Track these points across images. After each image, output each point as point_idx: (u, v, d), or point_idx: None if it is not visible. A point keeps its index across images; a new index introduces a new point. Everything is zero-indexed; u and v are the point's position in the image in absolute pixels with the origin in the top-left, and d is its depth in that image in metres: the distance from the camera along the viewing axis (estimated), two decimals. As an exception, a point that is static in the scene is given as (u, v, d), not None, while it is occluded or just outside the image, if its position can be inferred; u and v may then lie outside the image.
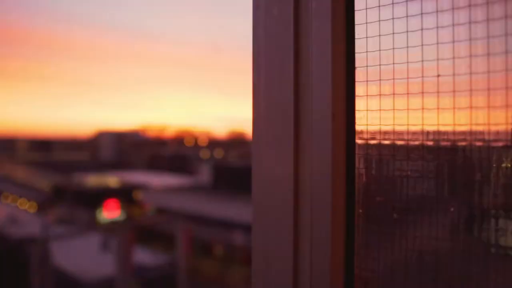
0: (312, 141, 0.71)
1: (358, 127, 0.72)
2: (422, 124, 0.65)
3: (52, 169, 64.03)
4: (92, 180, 54.51)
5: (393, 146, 0.69)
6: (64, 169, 63.84)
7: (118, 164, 79.86)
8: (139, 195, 47.99)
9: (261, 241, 0.78)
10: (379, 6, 0.69)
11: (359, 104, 0.72)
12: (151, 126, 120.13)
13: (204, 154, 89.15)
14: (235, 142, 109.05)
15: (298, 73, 0.73)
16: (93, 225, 38.47)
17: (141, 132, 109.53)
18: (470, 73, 0.61)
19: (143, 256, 26.53)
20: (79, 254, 26.52)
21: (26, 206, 46.35)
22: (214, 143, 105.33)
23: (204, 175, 53.65)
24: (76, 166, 71.97)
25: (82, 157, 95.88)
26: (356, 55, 0.72)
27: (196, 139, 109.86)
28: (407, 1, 0.66)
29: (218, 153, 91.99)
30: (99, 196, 44.02)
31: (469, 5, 0.60)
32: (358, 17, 0.71)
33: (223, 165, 57.43)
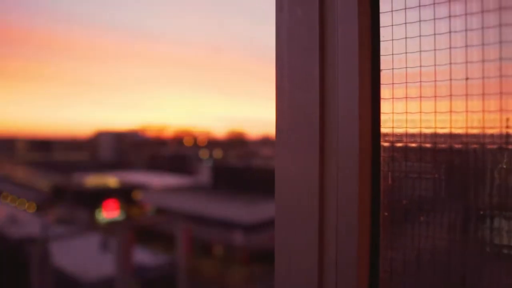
0: (338, 143, 0.71)
1: (383, 130, 0.71)
2: (450, 127, 0.65)
3: (51, 169, 63.94)
4: (92, 180, 54.47)
5: (419, 149, 0.68)
6: (64, 169, 63.77)
7: (117, 164, 79.80)
8: (138, 195, 47.97)
9: (285, 242, 0.78)
10: (405, 8, 0.68)
11: (384, 106, 0.71)
12: (151, 126, 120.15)
13: (204, 154, 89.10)
14: (235, 142, 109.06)
15: (323, 75, 0.73)
16: (93, 225, 38.45)
17: (141, 132, 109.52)
18: (500, 76, 0.60)
19: (143, 256, 26.51)
20: (79, 254, 26.51)
21: (26, 206, 46.29)
22: (213, 143, 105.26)
23: (204, 175, 53.69)
24: (76, 166, 71.90)
25: (81, 157, 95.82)
26: (381, 58, 0.72)
27: (195, 139, 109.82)
28: (434, 3, 0.65)
29: (218, 153, 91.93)
30: (98, 196, 43.96)
31: (500, 8, 0.59)
32: (383, 19, 0.71)
33: (222, 165, 57.47)
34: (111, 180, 54.57)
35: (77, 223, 38.01)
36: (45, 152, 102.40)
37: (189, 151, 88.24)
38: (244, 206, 37.84)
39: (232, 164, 56.31)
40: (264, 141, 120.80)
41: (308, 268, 0.74)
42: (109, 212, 43.58)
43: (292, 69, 0.77)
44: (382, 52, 0.71)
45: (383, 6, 0.71)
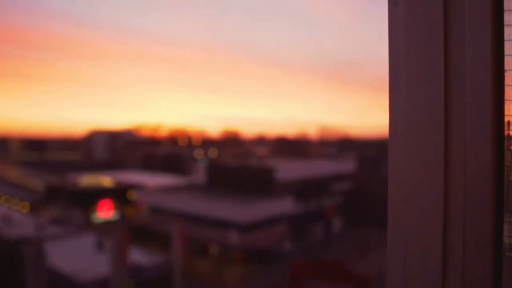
0: (466, 147, 0.69)
1: (508, 133, 0.69)
2: None
3: (45, 169, 63.58)
4: (86, 180, 54.19)
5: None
6: (58, 169, 63.45)
7: (112, 163, 79.51)
8: (133, 195, 47.81)
9: (400, 247, 0.75)
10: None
11: (510, 109, 0.69)
12: (145, 126, 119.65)
13: (199, 153, 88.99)
14: (229, 141, 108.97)
15: (447, 76, 0.70)
16: (88, 225, 38.29)
17: (135, 131, 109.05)
18: None
19: (138, 256, 26.44)
20: (74, 254, 26.40)
21: (20, 207, 46.01)
22: (208, 143, 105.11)
23: (199, 174, 53.57)
24: (70, 166, 71.57)
25: (75, 157, 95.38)
26: (506, 58, 0.69)
27: (190, 138, 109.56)
28: None
29: (212, 153, 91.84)
30: (93, 196, 43.78)
31: None
32: (508, 18, 0.69)
33: (217, 164, 57.41)
34: (106, 180, 54.33)
35: (71, 223, 37.83)
36: (39, 151, 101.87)
37: (183, 150, 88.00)
38: (240, 206, 37.82)
39: (227, 164, 56.28)
40: (259, 141, 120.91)
41: (429, 273, 0.71)
42: (104, 212, 43.40)
43: (410, 68, 0.73)
44: (506, 51, 0.69)
45: (508, 4, 0.69)
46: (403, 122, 0.74)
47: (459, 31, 0.69)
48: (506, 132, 0.69)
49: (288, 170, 48.29)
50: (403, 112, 0.74)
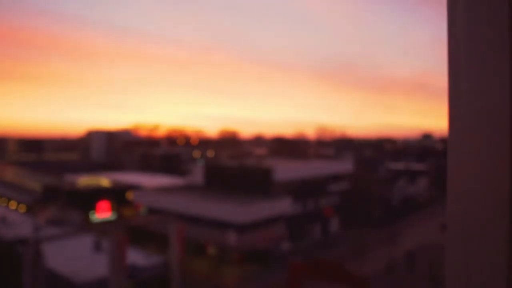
0: None
1: None
2: None
3: (43, 170, 63.46)
4: (84, 180, 54.09)
5: None
6: (56, 169, 63.33)
7: (109, 164, 79.38)
8: (131, 195, 47.74)
9: (460, 249, 0.73)
10: None
11: None
12: (143, 126, 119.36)
13: (196, 153, 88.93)
14: (227, 141, 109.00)
15: None
16: (86, 226, 38.23)
17: (133, 131, 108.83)
18: None
19: (137, 256, 26.41)
20: (72, 255, 26.36)
21: (17, 207, 45.90)
22: (206, 143, 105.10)
23: (197, 175, 53.50)
24: (68, 166, 71.46)
25: (73, 157, 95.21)
26: None
27: (188, 138, 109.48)
28: None
29: (210, 153, 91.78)
30: (90, 197, 43.70)
31: None
32: None
33: (215, 164, 57.34)
34: (104, 180, 54.24)
35: (69, 224, 37.76)
36: (37, 152, 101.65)
37: (181, 150, 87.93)
38: (238, 206, 37.80)
39: (225, 164, 56.21)
40: (257, 141, 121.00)
41: (493, 277, 0.70)
42: (101, 213, 43.36)
43: (471, 70, 0.72)
44: None
45: None
46: (465, 125, 0.73)
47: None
48: None
49: (286, 170, 48.30)
50: (465, 114, 0.73)
